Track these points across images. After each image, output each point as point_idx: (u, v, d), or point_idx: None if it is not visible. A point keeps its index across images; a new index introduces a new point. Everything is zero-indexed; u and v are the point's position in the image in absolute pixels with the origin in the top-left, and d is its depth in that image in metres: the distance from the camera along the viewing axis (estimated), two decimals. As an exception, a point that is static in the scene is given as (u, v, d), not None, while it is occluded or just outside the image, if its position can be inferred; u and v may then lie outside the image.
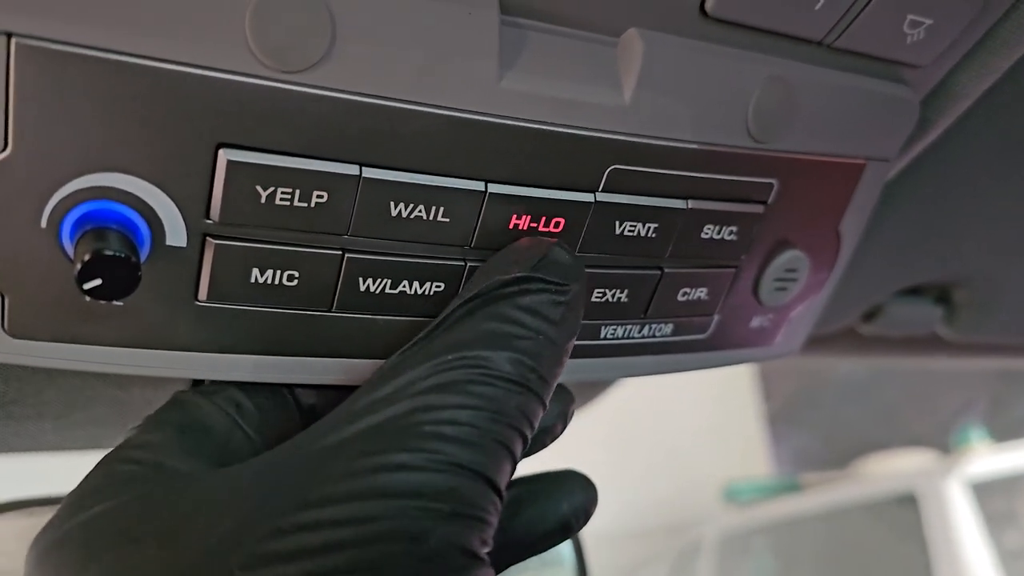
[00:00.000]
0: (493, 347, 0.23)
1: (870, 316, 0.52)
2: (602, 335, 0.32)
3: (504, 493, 0.22)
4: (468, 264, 0.28)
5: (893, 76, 0.33)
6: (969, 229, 0.47)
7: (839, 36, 0.30)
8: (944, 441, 2.52)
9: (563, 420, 0.31)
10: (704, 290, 0.33)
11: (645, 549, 2.88)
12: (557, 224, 0.29)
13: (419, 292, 0.28)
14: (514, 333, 0.24)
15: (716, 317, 0.35)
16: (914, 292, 0.52)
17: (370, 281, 0.27)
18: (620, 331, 0.33)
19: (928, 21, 0.30)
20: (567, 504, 0.29)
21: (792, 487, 2.71)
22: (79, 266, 0.22)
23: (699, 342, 0.35)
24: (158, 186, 0.24)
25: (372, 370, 0.29)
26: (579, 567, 0.57)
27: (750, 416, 3.27)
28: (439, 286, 0.28)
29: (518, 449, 0.23)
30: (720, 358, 0.37)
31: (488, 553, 0.23)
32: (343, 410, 0.23)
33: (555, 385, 0.25)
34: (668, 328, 0.34)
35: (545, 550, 0.29)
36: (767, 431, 3.28)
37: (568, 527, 0.30)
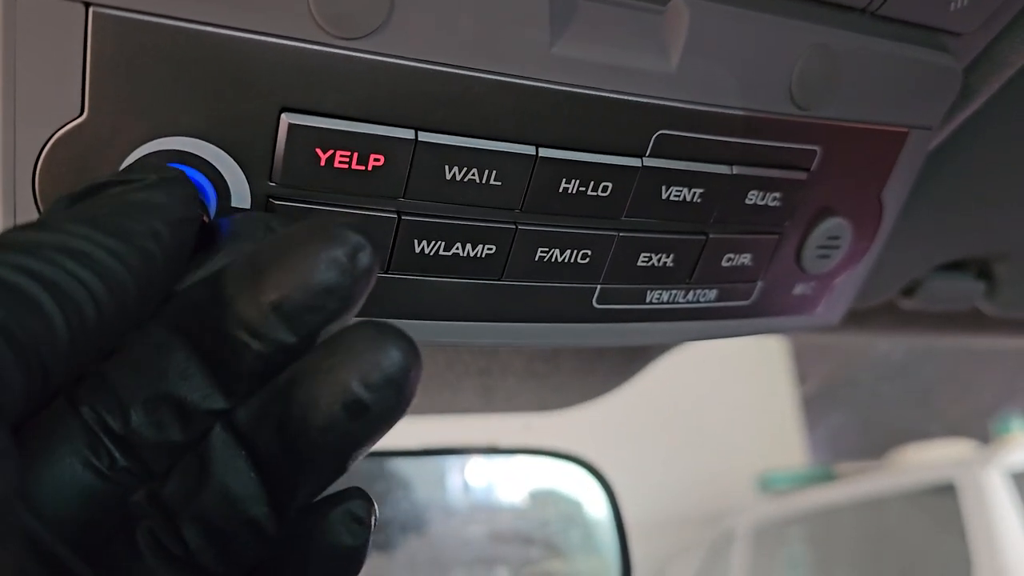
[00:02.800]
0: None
1: (910, 290, 0.52)
2: (648, 299, 0.33)
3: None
4: (518, 227, 0.29)
5: (936, 44, 0.33)
6: (1011, 202, 0.47)
7: (882, 4, 0.30)
8: (982, 427, 2.49)
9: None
10: (748, 256, 0.34)
11: (679, 538, 2.87)
12: (605, 188, 0.29)
13: (471, 254, 0.29)
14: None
15: (760, 283, 0.35)
16: (955, 266, 0.52)
17: (424, 243, 0.28)
18: (666, 296, 0.33)
19: None
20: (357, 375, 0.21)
21: (827, 476, 2.69)
22: None
23: (743, 308, 0.36)
24: (224, 149, 0.25)
25: (429, 331, 0.30)
26: (622, 556, 0.57)
27: (785, 405, 3.25)
28: (491, 248, 0.29)
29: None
30: (764, 325, 0.37)
31: None
32: None
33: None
34: (712, 294, 0.34)
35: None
36: (802, 419, 3.26)
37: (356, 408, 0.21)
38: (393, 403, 0.21)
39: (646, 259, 0.32)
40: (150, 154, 0.24)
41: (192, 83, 0.24)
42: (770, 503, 2.74)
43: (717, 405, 3.03)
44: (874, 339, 0.59)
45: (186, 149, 0.25)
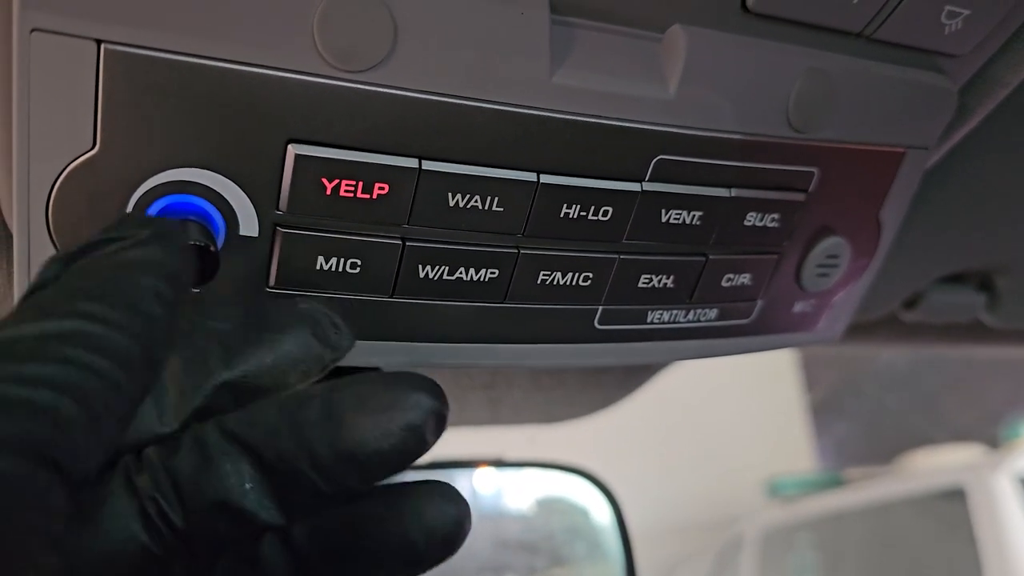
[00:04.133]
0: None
1: (911, 303, 0.52)
2: (649, 319, 0.34)
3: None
4: (520, 251, 0.30)
5: (931, 66, 0.34)
6: (1010, 216, 0.48)
7: (878, 28, 0.31)
8: (989, 433, 2.48)
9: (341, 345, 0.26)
10: (748, 276, 0.34)
11: (687, 544, 2.87)
12: (606, 212, 0.30)
13: (474, 279, 0.30)
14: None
15: (760, 302, 0.36)
16: (956, 279, 0.53)
17: (428, 268, 0.29)
18: (666, 315, 0.34)
19: (966, 11, 0.31)
20: (412, 413, 0.23)
21: (835, 482, 2.69)
22: None
23: (743, 326, 0.36)
24: (233, 180, 0.26)
25: (432, 354, 0.31)
26: (627, 563, 0.57)
27: (793, 410, 3.25)
28: (493, 272, 0.30)
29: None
30: (764, 342, 0.38)
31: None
32: None
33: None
34: (713, 313, 0.35)
35: (391, 468, 0.24)
36: (810, 424, 3.26)
37: (419, 435, 0.23)
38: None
39: (646, 280, 0.32)
40: (143, 195, 0.25)
41: (201, 116, 0.24)
42: (779, 509, 2.74)
43: (726, 411, 3.03)
44: (877, 350, 0.60)
45: (195, 180, 0.25)
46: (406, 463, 0.24)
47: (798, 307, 0.37)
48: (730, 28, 0.29)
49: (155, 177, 0.25)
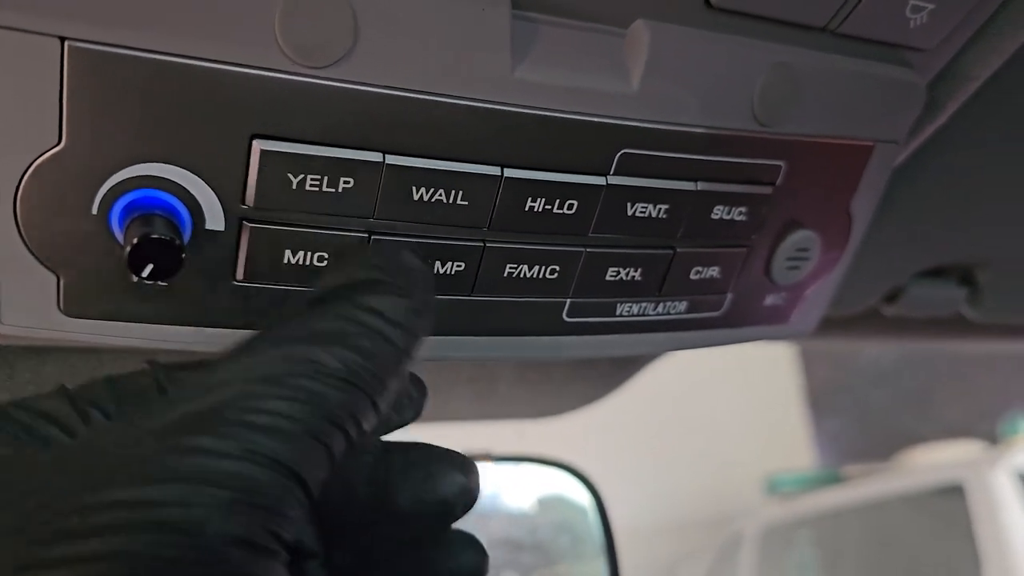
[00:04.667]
0: (326, 343, 0.23)
1: (892, 297, 0.53)
2: (618, 312, 0.34)
3: (314, 488, 0.21)
4: (486, 244, 0.30)
5: (898, 60, 0.34)
6: (985, 210, 0.48)
7: (842, 22, 0.31)
8: (981, 429, 2.48)
9: (415, 412, 0.31)
10: (716, 269, 0.35)
11: (687, 542, 2.88)
12: (571, 206, 0.30)
13: (440, 271, 0.30)
14: (350, 331, 0.23)
15: (730, 295, 0.36)
16: (937, 273, 0.53)
17: None
18: (636, 308, 0.34)
19: (930, 6, 0.31)
20: (446, 486, 0.28)
21: (834, 479, 2.69)
22: (129, 249, 0.24)
23: (714, 319, 0.37)
24: (198, 175, 0.26)
25: None
26: (609, 556, 0.58)
27: (791, 408, 3.25)
28: (459, 265, 0.30)
29: (338, 445, 0.22)
30: (735, 335, 0.38)
31: (299, 547, 0.26)
32: (188, 382, 0.23)
33: (394, 387, 0.24)
34: (683, 305, 0.35)
35: (423, 531, 0.29)
36: (808, 422, 3.26)
37: (449, 510, 0.29)
38: None
39: (614, 273, 0.33)
40: (110, 189, 0.25)
41: (165, 112, 0.25)
42: (777, 506, 2.74)
43: (724, 409, 3.04)
44: (860, 345, 0.60)
45: (161, 175, 0.26)
46: (434, 526, 0.29)
47: (769, 300, 0.38)
48: (694, 23, 0.30)
49: (121, 172, 0.25)
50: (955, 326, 0.58)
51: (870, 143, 0.35)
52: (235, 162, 0.26)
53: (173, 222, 0.26)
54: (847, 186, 0.36)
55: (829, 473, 2.76)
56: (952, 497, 2.19)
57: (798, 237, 0.36)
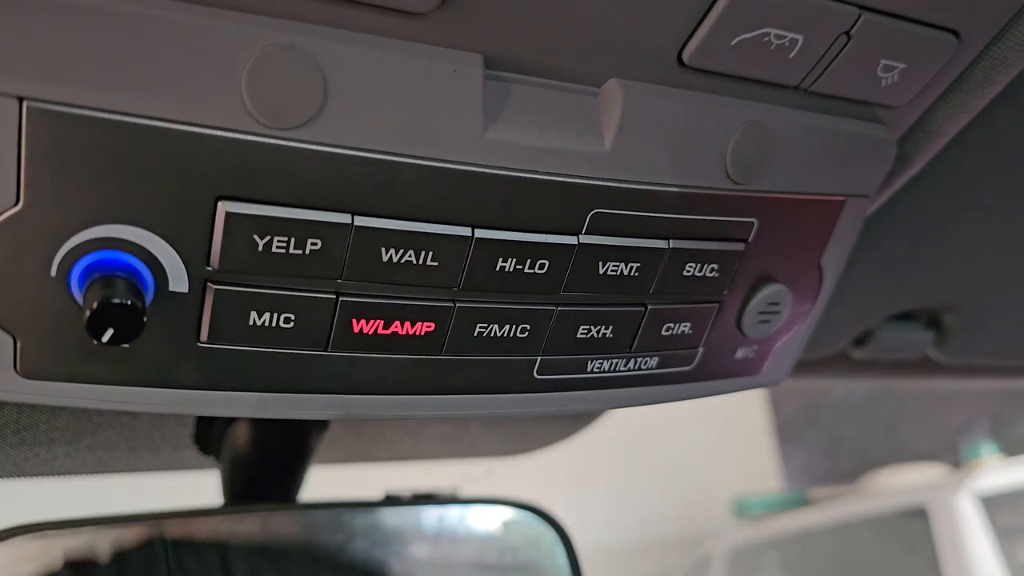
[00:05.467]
0: None
1: (861, 340, 0.53)
2: (589, 368, 0.34)
3: None
4: (456, 304, 0.30)
5: (870, 116, 0.34)
6: (952, 257, 0.48)
7: (815, 81, 0.31)
8: (948, 457, 2.51)
9: None
10: (688, 324, 0.34)
11: (657, 563, 2.87)
12: (542, 265, 0.30)
13: (410, 332, 0.29)
14: None
15: (701, 350, 0.36)
16: (904, 317, 0.53)
17: (364, 322, 0.29)
18: (607, 364, 0.34)
19: (901, 65, 0.31)
20: None
21: (802, 501, 2.70)
22: (88, 313, 0.24)
23: (685, 373, 0.36)
24: (161, 236, 0.25)
25: (369, 406, 0.31)
26: None
27: (760, 431, 3.27)
28: (429, 326, 0.30)
29: None
30: (706, 388, 0.38)
31: None
32: None
33: None
34: (654, 361, 0.35)
35: None
36: (776, 445, 3.27)
37: None
38: None
39: (585, 331, 0.32)
40: (70, 251, 0.25)
41: (127, 173, 0.24)
42: (746, 528, 2.75)
43: (693, 432, 3.04)
44: (829, 384, 0.60)
45: (123, 236, 0.25)
46: None
47: (740, 353, 0.37)
48: (667, 82, 0.30)
49: (81, 233, 0.25)
50: (919, 366, 0.58)
51: (841, 198, 0.35)
52: (200, 223, 0.25)
53: (135, 284, 0.25)
54: (818, 240, 0.36)
55: (796, 496, 2.77)
56: (916, 520, 2.21)
57: (769, 292, 0.36)
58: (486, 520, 0.60)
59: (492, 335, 0.31)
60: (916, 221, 0.45)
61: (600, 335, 0.33)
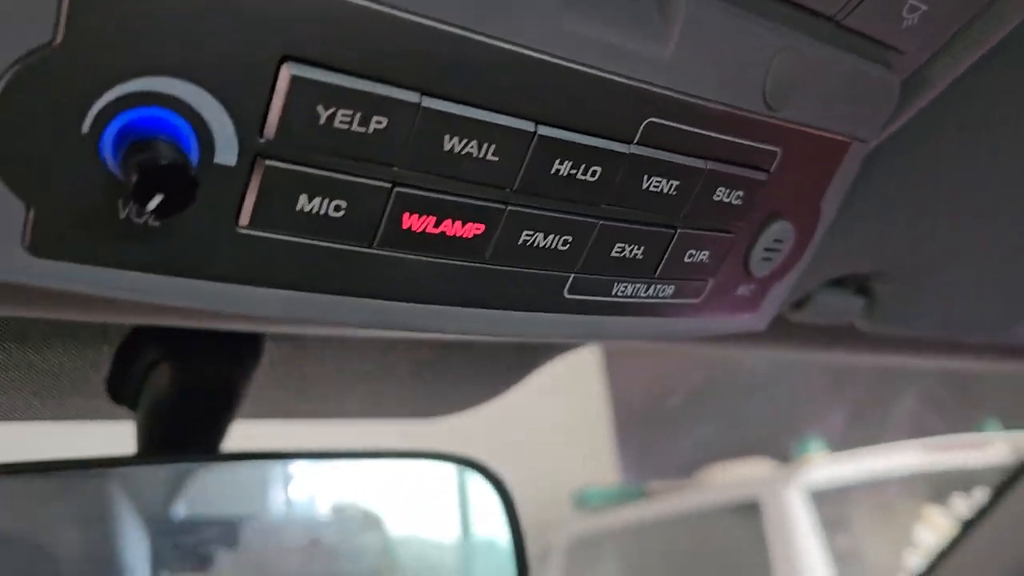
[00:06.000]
0: None
1: (800, 303, 0.54)
2: (614, 292, 0.33)
3: None
4: (508, 207, 0.28)
5: (882, 60, 0.35)
6: (899, 224, 0.50)
7: (849, 13, 0.31)
8: (777, 453, 2.65)
9: None
10: (707, 253, 0.34)
11: (495, 555, 2.89)
12: (594, 172, 0.29)
13: (459, 234, 0.27)
14: None
15: (711, 281, 0.36)
16: (838, 282, 0.55)
17: (415, 217, 0.26)
18: (630, 289, 0.33)
19: (924, 7, 0.32)
20: None
21: (639, 494, 2.79)
22: (136, 176, 0.20)
23: (692, 306, 0.36)
24: (216, 96, 0.22)
25: (406, 313, 0.28)
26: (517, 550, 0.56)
27: (600, 422, 3.35)
28: (479, 228, 0.28)
29: None
30: (706, 325, 0.37)
31: None
32: None
33: None
34: (670, 289, 0.34)
35: None
36: (615, 438, 3.36)
37: None
38: None
39: (620, 250, 0.31)
40: (107, 105, 0.21)
41: (188, 16, 0.21)
42: (585, 519, 2.81)
43: (535, 421, 3.08)
44: (744, 353, 0.61)
45: (171, 92, 0.22)
46: None
47: (741, 291, 0.37)
48: None
49: (126, 84, 0.21)
50: (844, 338, 0.60)
51: (848, 140, 0.36)
52: (260, 87, 0.23)
53: (179, 147, 0.22)
54: (823, 181, 0.36)
55: (634, 488, 2.85)
56: (749, 514, 2.32)
57: (777, 228, 0.36)
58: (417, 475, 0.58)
59: (536, 244, 0.29)
60: (874, 183, 0.46)
61: (632, 255, 0.32)
